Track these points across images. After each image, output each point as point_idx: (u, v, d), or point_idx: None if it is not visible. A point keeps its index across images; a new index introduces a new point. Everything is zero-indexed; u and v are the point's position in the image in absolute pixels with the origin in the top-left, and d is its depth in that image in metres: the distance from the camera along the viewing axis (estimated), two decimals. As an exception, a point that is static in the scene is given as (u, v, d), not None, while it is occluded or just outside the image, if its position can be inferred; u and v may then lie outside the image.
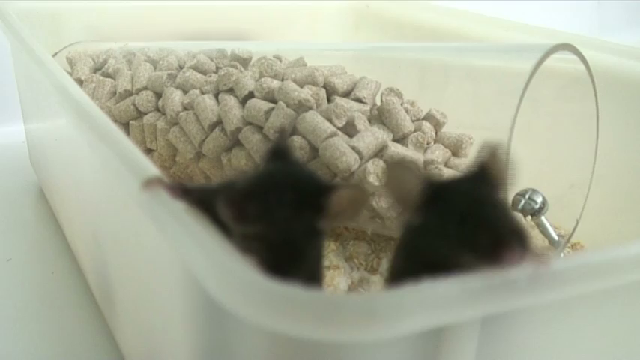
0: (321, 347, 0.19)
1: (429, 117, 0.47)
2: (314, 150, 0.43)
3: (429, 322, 0.18)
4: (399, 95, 0.48)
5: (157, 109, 0.51)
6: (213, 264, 0.19)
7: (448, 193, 0.24)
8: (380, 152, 0.43)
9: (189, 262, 0.21)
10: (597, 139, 0.45)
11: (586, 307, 0.24)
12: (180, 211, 0.22)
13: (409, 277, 0.24)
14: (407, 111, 0.46)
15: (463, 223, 0.23)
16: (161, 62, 0.53)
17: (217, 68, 0.51)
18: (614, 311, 0.25)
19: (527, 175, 0.47)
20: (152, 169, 0.24)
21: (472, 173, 0.25)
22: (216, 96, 0.48)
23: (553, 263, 0.20)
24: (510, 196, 0.47)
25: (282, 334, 0.18)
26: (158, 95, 0.51)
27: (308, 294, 0.17)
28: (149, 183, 0.24)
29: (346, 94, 0.48)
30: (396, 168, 0.26)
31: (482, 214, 0.23)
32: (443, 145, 0.46)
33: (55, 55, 0.60)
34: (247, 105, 0.46)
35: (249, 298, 0.18)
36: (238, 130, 0.46)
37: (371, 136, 0.43)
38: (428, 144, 0.46)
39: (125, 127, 0.52)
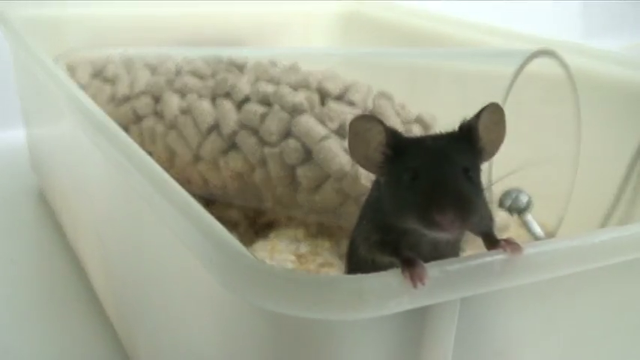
0: (314, 325, 0.21)
1: (418, 119, 0.49)
2: (308, 152, 0.45)
3: (412, 303, 0.20)
4: (390, 99, 0.50)
5: (156, 113, 0.53)
6: (219, 253, 0.21)
7: (412, 148, 0.24)
8: (371, 153, 0.45)
9: (195, 253, 0.23)
10: (579, 140, 0.47)
11: (560, 291, 0.26)
12: (185, 205, 0.24)
13: (370, 238, 0.25)
14: (397, 114, 0.48)
15: (414, 181, 0.22)
16: (159, 67, 0.55)
17: (214, 73, 0.53)
18: (588, 295, 0.27)
19: (513, 175, 0.49)
20: (156, 167, 0.26)
21: (453, 132, 0.25)
22: (213, 100, 0.50)
23: (526, 250, 0.22)
24: (497, 193, 0.48)
25: (281, 314, 0.19)
26: (156, 100, 0.53)
27: (303, 276, 0.19)
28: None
29: (339, 98, 0.49)
30: (359, 124, 0.24)
31: (437, 174, 0.22)
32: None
33: (54, 60, 0.62)
34: (243, 109, 0.47)
35: (251, 283, 0.20)
36: (235, 133, 0.47)
37: (362, 138, 0.45)
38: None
39: (124, 130, 0.53)
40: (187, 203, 0.23)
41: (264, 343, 0.22)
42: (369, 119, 0.24)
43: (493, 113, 0.25)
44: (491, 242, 0.24)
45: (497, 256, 0.22)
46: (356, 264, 0.27)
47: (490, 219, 0.26)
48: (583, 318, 0.27)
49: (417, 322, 0.22)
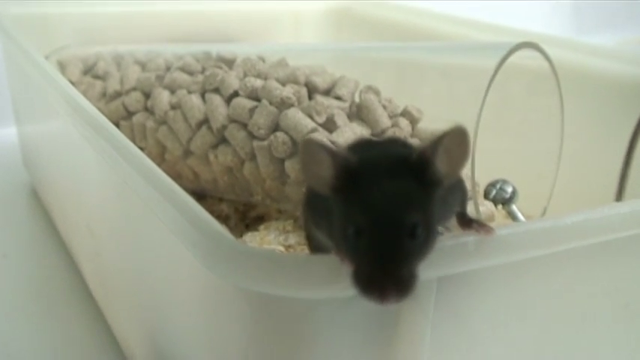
0: (293, 304, 0.22)
1: (405, 113, 0.49)
2: (296, 145, 0.46)
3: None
4: (377, 93, 0.50)
5: (146, 109, 0.53)
6: (201, 235, 0.21)
7: (361, 185, 0.22)
8: (358, 146, 0.46)
9: (179, 237, 0.23)
10: (562, 131, 0.48)
11: (536, 272, 0.26)
12: (169, 191, 0.24)
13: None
14: (384, 108, 0.49)
15: (357, 238, 0.21)
16: (149, 64, 0.55)
17: (203, 69, 0.53)
18: (563, 277, 0.27)
19: (498, 166, 0.50)
20: (142, 157, 0.27)
21: (410, 156, 0.23)
22: (202, 95, 0.50)
23: (499, 231, 0.23)
24: (483, 186, 0.49)
25: (261, 292, 0.20)
26: (147, 95, 0.53)
27: (281, 256, 0.20)
28: None
29: (326, 92, 0.50)
30: (309, 146, 0.23)
31: (378, 245, 0.21)
32: (419, 139, 0.49)
33: (45, 58, 0.62)
34: (232, 103, 0.48)
35: (232, 263, 0.20)
36: (224, 127, 0.48)
37: (349, 132, 0.46)
38: (405, 139, 0.48)
39: (115, 126, 0.54)
40: (171, 189, 0.24)
41: (246, 321, 0.23)
42: (320, 146, 0.23)
43: (455, 135, 0.23)
44: (464, 222, 0.25)
45: (472, 237, 0.23)
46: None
47: (463, 202, 0.26)
48: (559, 300, 0.28)
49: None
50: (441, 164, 0.23)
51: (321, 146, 0.23)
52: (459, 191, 0.26)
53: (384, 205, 0.22)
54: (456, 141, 0.23)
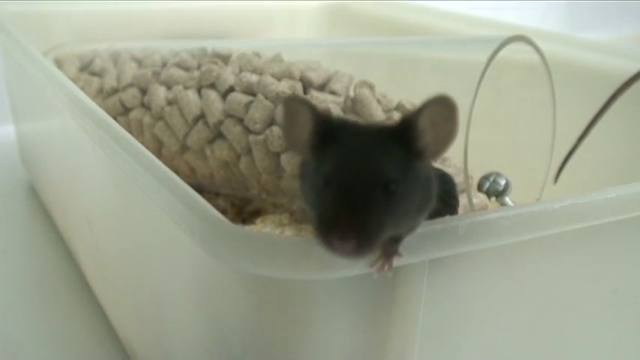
0: (290, 286, 0.22)
1: (399, 107, 0.50)
2: (291, 139, 0.46)
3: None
4: (371, 87, 0.51)
5: (143, 105, 0.54)
6: (201, 221, 0.22)
7: (338, 140, 0.21)
8: (353, 140, 0.46)
9: (179, 224, 0.24)
10: (555, 124, 0.49)
11: (526, 257, 0.27)
12: (168, 180, 0.25)
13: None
14: (379, 102, 0.49)
15: (325, 189, 0.20)
16: (145, 60, 0.56)
17: (199, 65, 0.54)
18: (553, 263, 0.28)
19: (491, 159, 0.50)
20: (140, 148, 0.27)
21: (394, 125, 0.22)
22: (198, 91, 0.51)
23: (489, 215, 0.24)
24: (476, 178, 0.50)
25: (259, 275, 0.20)
26: (143, 92, 0.54)
27: (279, 239, 0.20)
28: None
29: (321, 87, 0.51)
30: (290, 104, 0.22)
31: (344, 191, 0.20)
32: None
33: (42, 55, 0.63)
34: (228, 99, 0.48)
35: (231, 247, 0.21)
36: (220, 122, 0.49)
37: (344, 125, 0.46)
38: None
39: (112, 122, 0.55)
40: (170, 177, 0.25)
41: (244, 304, 0.23)
42: (300, 102, 0.22)
43: (442, 107, 0.21)
44: (389, 252, 0.22)
45: (462, 221, 0.23)
46: None
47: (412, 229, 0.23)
48: (549, 284, 0.28)
49: (388, 282, 0.23)
50: (426, 134, 0.22)
51: (303, 101, 0.22)
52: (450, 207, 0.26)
53: (358, 154, 0.21)
54: (444, 115, 0.22)
